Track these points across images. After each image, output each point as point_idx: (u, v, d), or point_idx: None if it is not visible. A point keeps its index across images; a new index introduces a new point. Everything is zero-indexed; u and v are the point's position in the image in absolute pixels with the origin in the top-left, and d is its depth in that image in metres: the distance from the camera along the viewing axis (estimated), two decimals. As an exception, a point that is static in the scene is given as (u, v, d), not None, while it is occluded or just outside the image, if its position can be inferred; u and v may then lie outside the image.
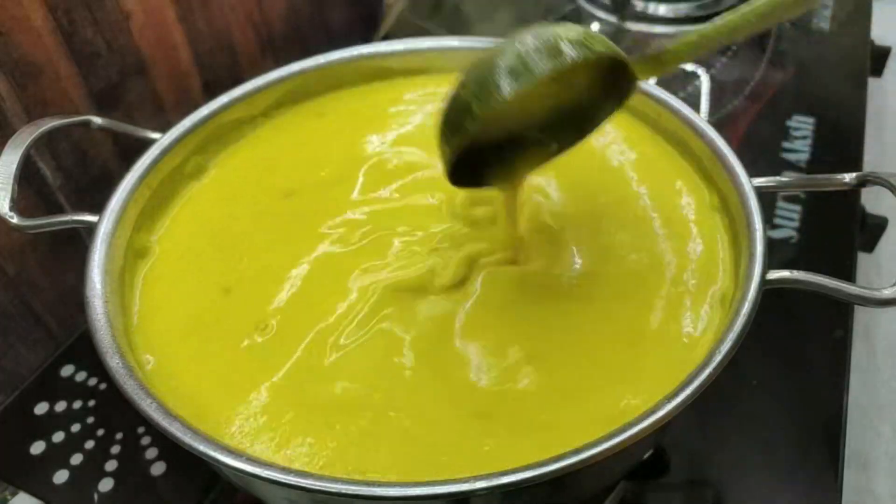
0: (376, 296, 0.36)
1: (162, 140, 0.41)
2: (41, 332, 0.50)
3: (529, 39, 0.28)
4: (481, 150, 0.32)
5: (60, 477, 0.41)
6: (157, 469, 0.42)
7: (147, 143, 0.41)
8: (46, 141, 0.46)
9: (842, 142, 0.59)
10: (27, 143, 0.37)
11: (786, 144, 0.59)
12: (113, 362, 0.32)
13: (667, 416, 0.28)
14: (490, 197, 0.39)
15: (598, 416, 0.31)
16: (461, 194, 0.40)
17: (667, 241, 0.38)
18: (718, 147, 0.39)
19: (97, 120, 0.41)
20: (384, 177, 0.43)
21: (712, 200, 0.40)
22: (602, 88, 0.33)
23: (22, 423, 0.44)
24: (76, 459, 0.42)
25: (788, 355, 0.45)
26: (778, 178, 0.38)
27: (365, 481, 0.28)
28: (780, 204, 0.54)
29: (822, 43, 0.68)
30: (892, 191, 0.33)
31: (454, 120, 0.29)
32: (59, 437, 0.43)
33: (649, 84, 0.43)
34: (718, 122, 0.61)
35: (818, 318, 0.47)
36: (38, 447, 0.43)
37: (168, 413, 0.30)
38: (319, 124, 0.47)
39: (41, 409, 0.44)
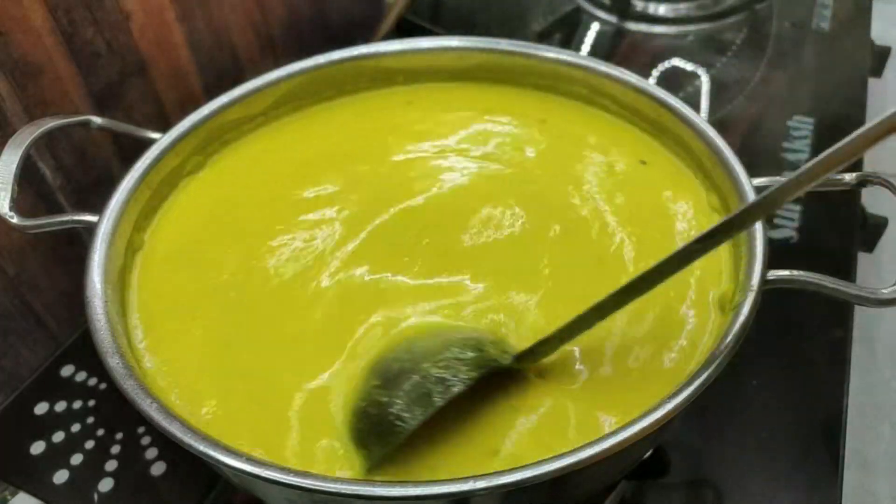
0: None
1: (162, 140, 0.41)
2: (41, 332, 0.50)
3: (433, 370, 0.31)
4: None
5: (60, 477, 0.41)
6: (157, 469, 0.42)
7: (147, 143, 0.41)
8: (46, 141, 0.46)
9: (842, 142, 0.59)
10: (27, 143, 0.37)
11: (786, 144, 0.59)
12: (113, 362, 0.32)
13: (667, 416, 0.28)
14: None
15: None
16: None
17: (665, 243, 0.38)
18: (718, 147, 0.39)
19: (97, 120, 0.41)
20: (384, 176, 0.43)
21: (711, 201, 0.40)
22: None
23: (22, 423, 0.44)
24: (76, 459, 0.42)
25: (788, 355, 0.45)
26: (778, 178, 0.38)
27: (365, 481, 0.28)
28: (780, 204, 0.54)
29: (822, 43, 0.68)
30: (892, 191, 0.33)
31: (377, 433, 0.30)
32: (59, 437, 0.43)
33: (649, 84, 0.43)
34: (718, 122, 0.61)
35: (818, 318, 0.47)
36: (38, 447, 0.43)
37: (168, 413, 0.30)
38: (319, 124, 0.47)
39: (41, 409, 0.44)
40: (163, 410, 0.30)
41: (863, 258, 0.52)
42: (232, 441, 0.30)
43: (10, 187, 0.36)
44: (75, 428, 0.43)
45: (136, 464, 0.42)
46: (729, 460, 0.41)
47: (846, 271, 0.49)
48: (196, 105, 0.44)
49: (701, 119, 0.41)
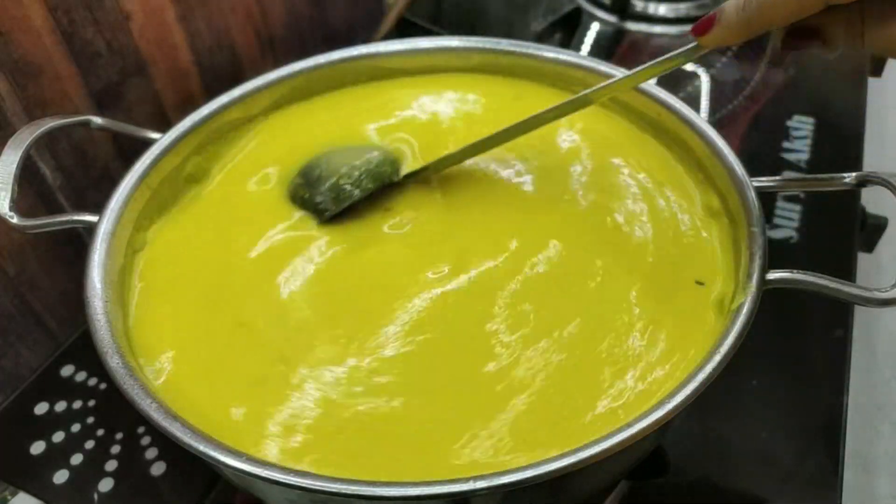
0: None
1: (162, 140, 0.41)
2: (41, 332, 0.50)
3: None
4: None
5: (60, 477, 0.41)
6: (157, 469, 0.42)
7: (147, 143, 0.41)
8: (46, 141, 0.46)
9: (842, 142, 0.59)
10: (27, 143, 0.37)
11: (786, 144, 0.59)
12: (113, 362, 0.32)
13: (667, 416, 0.28)
14: None
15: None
16: None
17: (664, 242, 0.38)
18: (718, 147, 0.39)
19: (97, 120, 0.41)
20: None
21: (711, 200, 0.40)
22: None
23: (22, 423, 0.44)
24: (76, 459, 0.42)
25: (788, 355, 0.45)
26: (778, 178, 0.38)
27: (365, 481, 0.28)
28: (780, 204, 0.54)
29: (822, 43, 0.68)
30: (892, 191, 0.33)
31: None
32: (59, 437, 0.43)
33: (649, 84, 0.43)
34: (718, 122, 0.61)
35: (818, 318, 0.47)
36: (38, 447, 0.43)
37: (168, 413, 0.30)
38: (319, 124, 0.47)
39: (41, 409, 0.44)
40: (163, 410, 0.30)
41: (863, 258, 0.52)
42: (232, 440, 0.30)
43: (10, 187, 0.36)
44: (75, 428, 0.43)
45: (136, 464, 0.42)
46: (729, 460, 0.41)
47: (846, 271, 0.49)
48: (196, 105, 0.44)
49: (701, 119, 0.41)
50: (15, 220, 0.35)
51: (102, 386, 0.45)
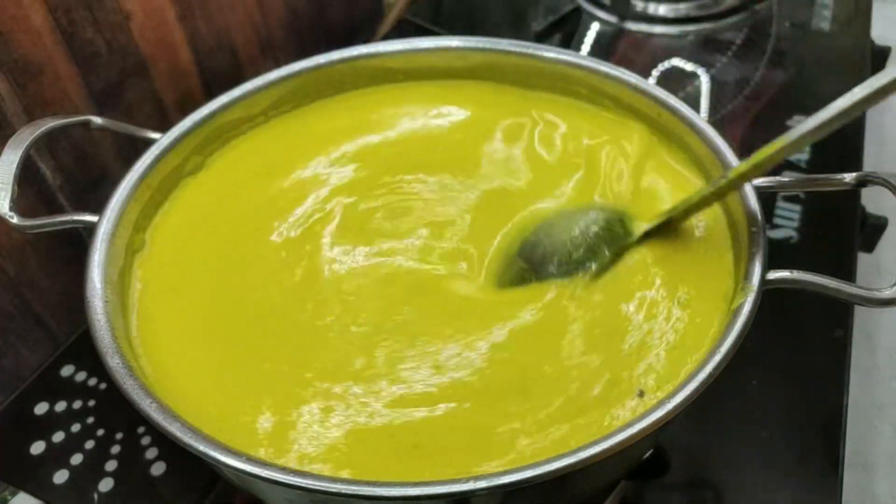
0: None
1: (162, 140, 0.41)
2: (41, 332, 0.50)
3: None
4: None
5: (60, 477, 0.41)
6: (157, 469, 0.42)
7: (147, 143, 0.41)
8: (46, 141, 0.46)
9: (842, 142, 0.59)
10: (27, 143, 0.37)
11: (786, 144, 0.59)
12: (113, 362, 0.32)
13: (667, 416, 0.28)
14: None
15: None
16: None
17: (663, 243, 0.38)
18: (718, 147, 0.39)
19: (97, 120, 0.41)
20: (382, 176, 0.43)
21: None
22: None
23: (22, 423, 0.44)
24: (76, 459, 0.42)
25: (788, 355, 0.45)
26: (778, 178, 0.38)
27: (365, 481, 0.28)
28: (780, 204, 0.54)
29: (822, 43, 0.68)
30: (892, 191, 0.33)
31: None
32: (59, 437, 0.43)
33: (649, 83, 0.43)
34: (718, 122, 0.61)
35: (818, 318, 0.47)
36: (38, 447, 0.43)
37: (168, 413, 0.30)
38: (319, 123, 0.47)
39: (41, 409, 0.44)
40: (163, 410, 0.30)
41: (863, 258, 0.52)
42: (231, 440, 0.30)
43: (10, 187, 0.36)
44: (75, 428, 0.43)
45: (136, 464, 0.42)
46: (729, 460, 0.41)
47: (846, 271, 0.49)
48: (196, 105, 0.44)
49: (701, 119, 0.41)
50: (15, 220, 0.35)
51: (102, 386, 0.45)
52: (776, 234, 0.52)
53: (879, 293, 0.31)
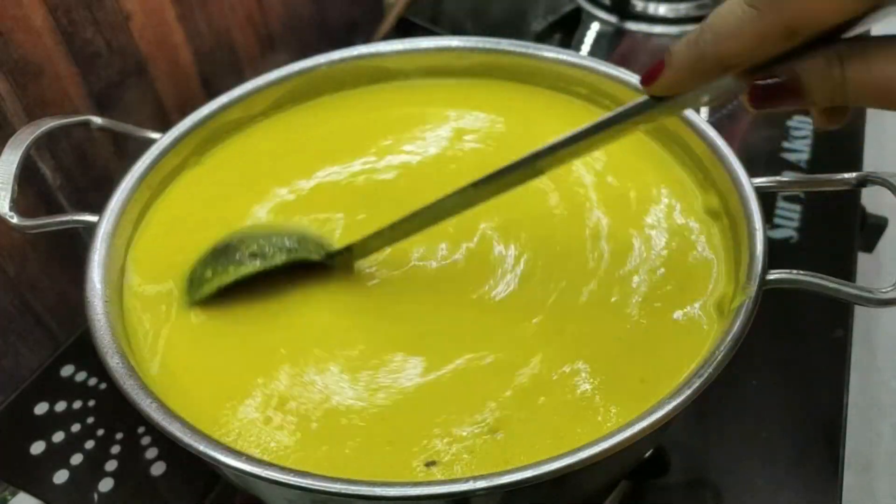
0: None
1: (162, 140, 0.41)
2: (41, 332, 0.50)
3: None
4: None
5: (60, 477, 0.41)
6: (157, 469, 0.42)
7: (147, 143, 0.41)
8: (46, 141, 0.46)
9: (842, 142, 0.59)
10: (27, 143, 0.37)
11: (786, 144, 0.59)
12: (113, 362, 0.32)
13: (667, 416, 0.28)
14: None
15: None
16: None
17: (663, 243, 0.38)
18: (718, 147, 0.39)
19: (97, 120, 0.41)
20: (380, 175, 0.43)
21: (711, 201, 0.40)
22: None
23: (22, 423, 0.44)
24: (76, 459, 0.42)
25: (788, 355, 0.45)
26: (778, 178, 0.38)
27: (365, 481, 0.28)
28: (780, 204, 0.54)
29: (822, 43, 0.68)
30: (892, 191, 0.33)
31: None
32: (59, 437, 0.43)
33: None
34: (718, 122, 0.61)
35: (818, 318, 0.47)
36: (38, 447, 0.43)
37: (168, 413, 0.30)
38: (319, 123, 0.47)
39: (41, 409, 0.44)
40: (163, 410, 0.30)
41: (863, 258, 0.52)
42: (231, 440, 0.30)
43: (10, 187, 0.36)
44: (75, 428, 0.43)
45: (136, 464, 0.42)
46: (729, 460, 0.41)
47: (846, 271, 0.49)
48: (196, 105, 0.44)
49: (701, 119, 0.41)
50: (15, 220, 0.35)
51: (102, 386, 0.45)
52: (776, 234, 0.52)
53: (879, 293, 0.30)
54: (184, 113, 0.43)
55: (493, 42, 0.47)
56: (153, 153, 0.41)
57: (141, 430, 0.43)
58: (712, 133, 0.40)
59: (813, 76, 0.23)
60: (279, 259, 0.36)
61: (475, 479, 0.27)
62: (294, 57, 0.47)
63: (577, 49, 0.69)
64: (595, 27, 0.71)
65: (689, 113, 0.41)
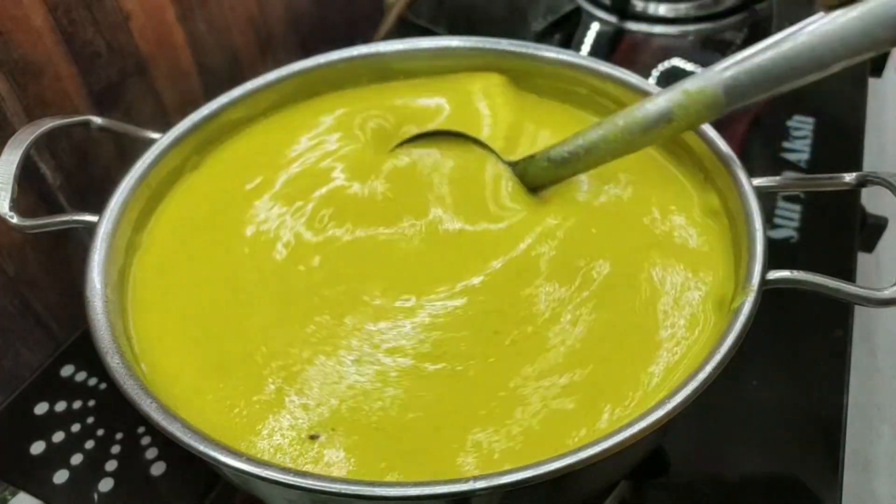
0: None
1: (162, 140, 0.41)
2: (41, 332, 0.50)
3: None
4: None
5: (60, 477, 0.41)
6: (157, 469, 0.42)
7: (147, 143, 0.41)
8: (46, 141, 0.46)
9: (842, 142, 0.59)
10: (27, 143, 0.37)
11: (786, 144, 0.59)
12: (113, 362, 0.32)
13: (667, 416, 0.28)
14: None
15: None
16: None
17: (661, 243, 0.38)
18: (718, 147, 0.39)
19: (97, 120, 0.41)
20: (381, 175, 0.43)
21: (711, 200, 0.40)
22: None
23: (22, 423, 0.44)
24: (76, 459, 0.42)
25: (788, 355, 0.45)
26: (778, 178, 0.38)
27: (365, 481, 0.28)
28: (780, 204, 0.54)
29: (822, 43, 0.68)
30: (892, 191, 0.33)
31: None
32: (59, 437, 0.43)
33: (649, 83, 0.43)
34: (718, 122, 0.61)
35: (818, 318, 0.47)
36: (38, 447, 0.43)
37: (168, 413, 0.30)
38: (319, 123, 0.47)
39: (41, 409, 0.44)
40: (163, 410, 0.30)
41: (863, 258, 0.52)
42: (231, 440, 0.30)
43: (10, 187, 0.36)
44: (75, 428, 0.43)
45: (136, 464, 0.42)
46: (729, 460, 0.41)
47: (846, 271, 0.49)
48: (196, 105, 0.44)
49: (701, 119, 0.41)
50: (15, 220, 0.35)
51: (102, 386, 0.45)
52: (776, 234, 0.52)
53: (879, 293, 0.31)
54: (184, 113, 0.43)
55: (493, 42, 0.47)
56: (153, 153, 0.41)
57: (141, 430, 0.43)
58: (712, 133, 0.40)
59: None
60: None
61: (475, 479, 0.27)
62: (294, 57, 0.47)
63: (577, 49, 0.69)
64: (595, 27, 0.72)
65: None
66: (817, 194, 0.54)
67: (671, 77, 0.64)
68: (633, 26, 0.71)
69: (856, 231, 0.52)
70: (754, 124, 0.61)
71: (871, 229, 0.56)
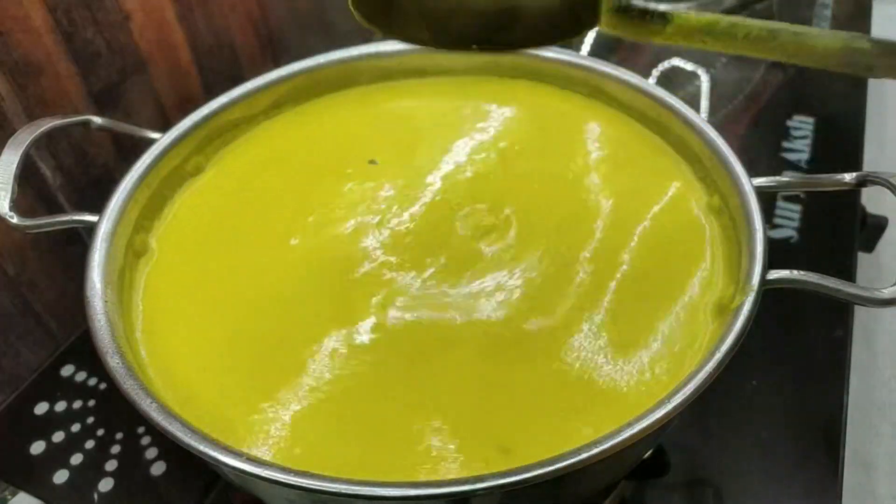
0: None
1: (162, 140, 0.41)
2: (41, 332, 0.50)
3: None
4: None
5: (60, 477, 0.41)
6: (157, 469, 0.42)
7: (147, 143, 0.41)
8: (46, 141, 0.46)
9: (842, 142, 0.59)
10: (27, 143, 0.37)
11: (786, 144, 0.59)
12: (113, 362, 0.32)
13: (667, 415, 0.28)
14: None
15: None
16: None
17: (663, 243, 0.38)
18: (718, 147, 0.39)
19: (97, 120, 0.41)
20: (381, 176, 0.43)
21: (711, 201, 0.40)
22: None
23: (22, 423, 0.44)
24: (76, 459, 0.42)
25: (788, 355, 0.45)
26: (778, 178, 0.38)
27: (365, 481, 0.28)
28: (780, 204, 0.54)
29: (822, 43, 0.68)
30: (892, 191, 0.33)
31: None
32: (59, 437, 0.43)
33: (649, 84, 0.43)
34: (718, 122, 0.61)
35: (818, 318, 0.47)
36: (38, 447, 0.43)
37: (168, 413, 0.30)
38: (319, 123, 0.47)
39: (41, 409, 0.44)
40: (163, 410, 0.30)
41: (863, 258, 0.52)
42: (232, 440, 0.30)
43: (10, 187, 0.36)
44: (75, 428, 0.43)
45: (136, 464, 0.42)
46: (729, 460, 0.41)
47: (846, 271, 0.49)
48: (196, 105, 0.44)
49: (701, 119, 0.41)
50: (15, 220, 0.35)
51: (102, 386, 0.45)
52: (776, 234, 0.52)
53: (879, 293, 0.30)
54: (184, 113, 0.43)
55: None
56: (153, 153, 0.41)
57: (141, 430, 0.43)
58: (712, 133, 0.40)
59: None
60: None
61: (475, 479, 0.27)
62: (294, 57, 0.47)
63: (577, 49, 0.69)
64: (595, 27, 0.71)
65: (689, 113, 0.41)
66: (817, 194, 0.54)
67: (671, 77, 0.64)
68: (633, 26, 0.71)
69: (856, 231, 0.52)
70: (754, 124, 0.61)
71: (871, 229, 0.56)
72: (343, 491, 0.27)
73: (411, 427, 0.32)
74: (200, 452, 0.29)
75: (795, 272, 0.33)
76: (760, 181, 0.37)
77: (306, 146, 0.45)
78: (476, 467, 0.30)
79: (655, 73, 0.64)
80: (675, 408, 0.28)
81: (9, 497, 0.42)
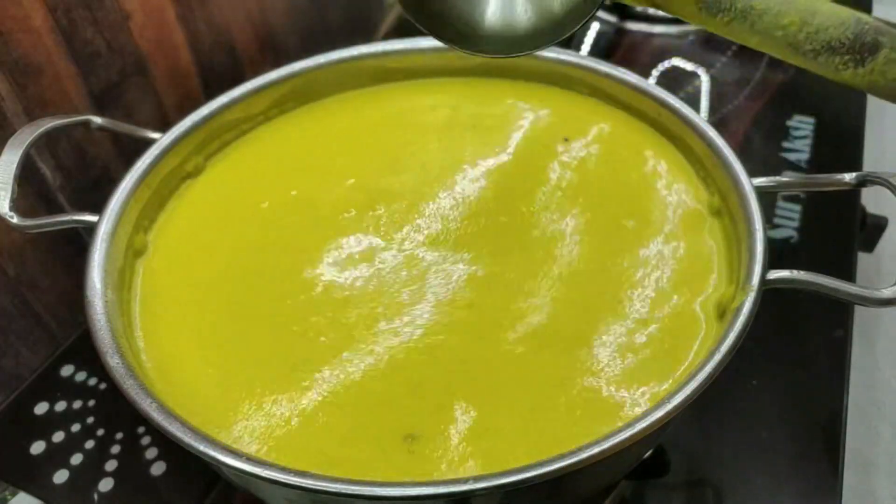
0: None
1: (162, 140, 0.41)
2: (41, 332, 0.50)
3: None
4: None
5: (60, 477, 0.41)
6: (157, 469, 0.42)
7: (147, 143, 0.41)
8: (46, 141, 0.46)
9: (842, 142, 0.59)
10: (27, 143, 0.37)
11: (786, 144, 0.59)
12: (113, 362, 0.32)
13: (667, 415, 0.28)
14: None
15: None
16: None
17: (663, 243, 0.38)
18: (718, 147, 0.39)
19: (97, 120, 0.41)
20: (382, 176, 0.43)
21: (711, 201, 0.40)
22: None
23: (22, 423, 0.44)
24: (76, 459, 0.42)
25: (788, 355, 0.45)
26: (778, 178, 0.38)
27: (365, 481, 0.28)
28: (780, 204, 0.54)
29: (822, 43, 0.68)
30: (892, 191, 0.33)
31: None
32: (59, 437, 0.43)
33: (649, 84, 0.43)
34: (718, 122, 0.61)
35: (818, 318, 0.47)
36: (38, 447, 0.43)
37: (168, 413, 0.30)
38: (319, 124, 0.47)
39: (41, 409, 0.44)
40: (163, 410, 0.30)
41: (863, 258, 0.52)
42: (232, 440, 0.30)
43: (10, 187, 0.36)
44: (75, 428, 0.43)
45: (136, 464, 0.42)
46: (729, 460, 0.41)
47: (846, 271, 0.49)
48: (196, 105, 0.44)
49: (701, 119, 0.41)
50: (15, 220, 0.35)
51: (102, 386, 0.45)
52: (776, 234, 0.52)
53: (879, 293, 0.30)
54: (184, 113, 0.43)
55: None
56: (153, 153, 0.41)
57: (141, 430, 0.43)
58: (712, 133, 0.40)
59: None
60: None
61: (475, 479, 0.27)
62: (294, 57, 0.47)
63: (577, 49, 0.69)
64: (595, 27, 0.71)
65: (689, 113, 0.41)
66: (817, 194, 0.54)
67: (671, 77, 0.64)
68: (633, 26, 0.71)
69: (856, 231, 0.52)
70: (754, 124, 0.61)
71: (871, 229, 0.56)
72: (343, 491, 0.27)
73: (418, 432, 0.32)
74: (200, 452, 0.29)
75: (795, 272, 0.33)
76: (760, 181, 0.37)
77: (306, 146, 0.45)
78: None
79: (655, 73, 0.64)
80: (675, 408, 0.28)
81: (9, 497, 0.42)
